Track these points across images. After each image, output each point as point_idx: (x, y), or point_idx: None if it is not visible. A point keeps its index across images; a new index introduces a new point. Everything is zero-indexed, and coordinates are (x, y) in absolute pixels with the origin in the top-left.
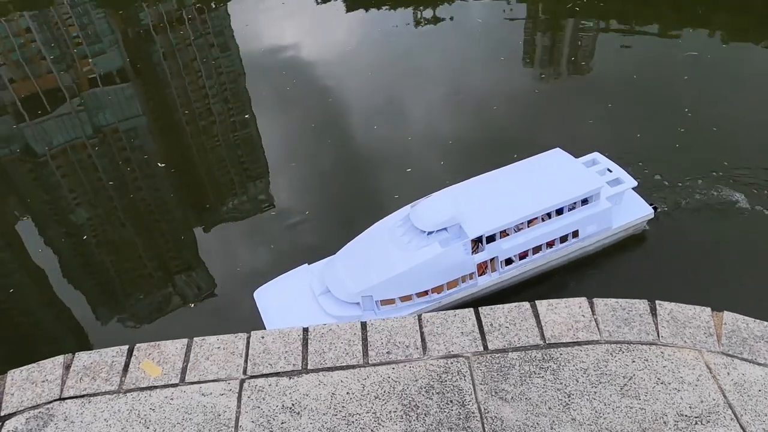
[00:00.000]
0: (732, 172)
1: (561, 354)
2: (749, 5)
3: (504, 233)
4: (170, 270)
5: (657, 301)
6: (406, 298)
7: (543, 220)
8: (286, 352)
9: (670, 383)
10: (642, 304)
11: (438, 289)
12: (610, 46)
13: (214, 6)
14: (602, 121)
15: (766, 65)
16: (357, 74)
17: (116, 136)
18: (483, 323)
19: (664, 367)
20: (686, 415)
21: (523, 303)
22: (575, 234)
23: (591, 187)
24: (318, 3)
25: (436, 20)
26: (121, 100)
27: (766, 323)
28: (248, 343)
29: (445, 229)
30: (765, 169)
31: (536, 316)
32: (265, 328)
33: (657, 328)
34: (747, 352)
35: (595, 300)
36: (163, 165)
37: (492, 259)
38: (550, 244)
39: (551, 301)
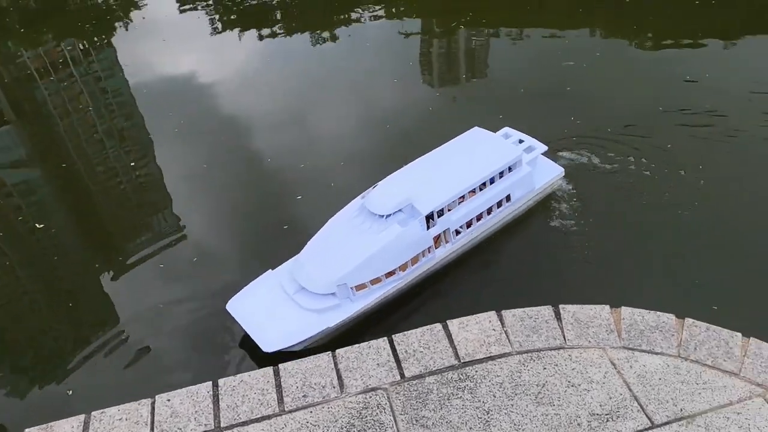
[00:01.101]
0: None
1: (476, 371)
2: (624, 11)
3: (450, 207)
4: (80, 323)
5: (560, 306)
6: (376, 281)
7: (480, 190)
8: (196, 412)
9: (580, 385)
10: (547, 311)
11: (403, 267)
12: (502, 56)
13: (98, 44)
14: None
15: (637, 63)
16: (255, 101)
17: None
18: (398, 351)
19: (573, 369)
20: (598, 414)
21: (435, 325)
22: (508, 198)
23: (514, 155)
24: (213, 33)
25: (333, 38)
26: (4, 143)
27: (658, 313)
28: (153, 409)
29: (400, 210)
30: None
31: (449, 336)
32: (247, 336)
33: (563, 332)
34: (645, 343)
35: (503, 312)
36: (58, 209)
37: (444, 232)
38: (489, 211)
39: (462, 319)
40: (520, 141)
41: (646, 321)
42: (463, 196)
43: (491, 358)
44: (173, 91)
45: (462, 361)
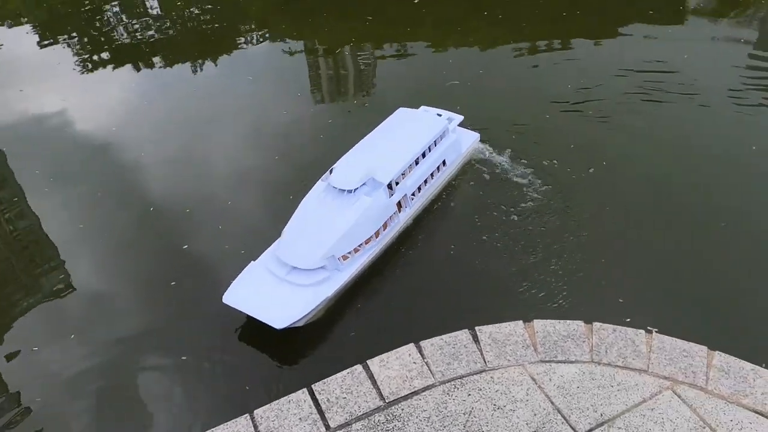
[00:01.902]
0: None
1: (402, 409)
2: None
3: (404, 175)
4: None
5: (477, 328)
6: (357, 249)
7: (423, 158)
8: None
9: (505, 406)
10: (464, 335)
11: (377, 233)
12: (390, 71)
13: None
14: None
15: (520, 71)
16: (135, 141)
17: None
18: (319, 401)
19: (496, 391)
20: None
21: (356, 367)
22: (444, 163)
23: (442, 125)
24: (83, 71)
25: (216, 65)
26: None
27: (568, 322)
28: None
29: (364, 183)
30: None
31: (371, 376)
32: (252, 320)
33: (482, 355)
34: (560, 353)
35: (422, 343)
36: None
37: (403, 198)
38: (432, 175)
39: (382, 356)
40: (439, 115)
41: (558, 331)
42: (411, 165)
43: (416, 392)
44: (42, 137)
45: (387, 401)
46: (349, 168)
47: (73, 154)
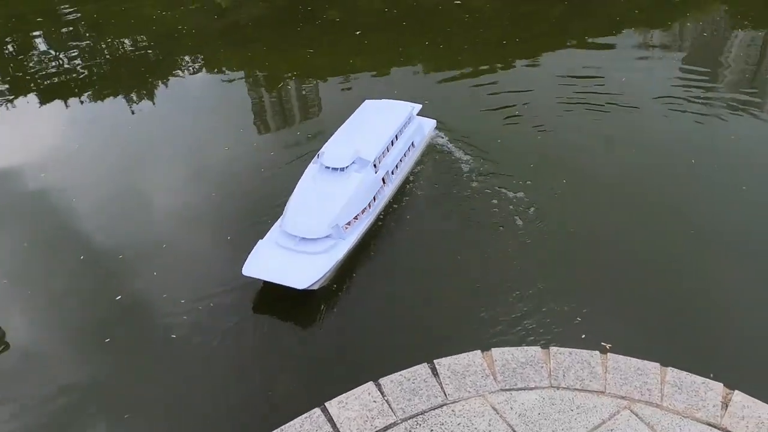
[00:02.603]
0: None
1: None
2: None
3: (384, 154)
4: None
5: (435, 361)
6: (356, 218)
7: (397, 139)
8: None
9: None
10: (423, 369)
11: (369, 204)
12: (333, 100)
13: None
14: None
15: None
16: (64, 182)
17: None
18: None
19: (459, 425)
20: None
21: (314, 410)
22: (413, 144)
23: (408, 111)
24: (8, 111)
25: (152, 98)
26: None
27: (526, 348)
28: None
29: (353, 162)
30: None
31: (330, 420)
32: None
33: (442, 388)
34: (520, 380)
35: (381, 380)
36: None
37: (385, 174)
38: (405, 154)
39: (340, 398)
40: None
41: (516, 358)
42: (388, 146)
43: None
44: None
45: None
46: (337, 149)
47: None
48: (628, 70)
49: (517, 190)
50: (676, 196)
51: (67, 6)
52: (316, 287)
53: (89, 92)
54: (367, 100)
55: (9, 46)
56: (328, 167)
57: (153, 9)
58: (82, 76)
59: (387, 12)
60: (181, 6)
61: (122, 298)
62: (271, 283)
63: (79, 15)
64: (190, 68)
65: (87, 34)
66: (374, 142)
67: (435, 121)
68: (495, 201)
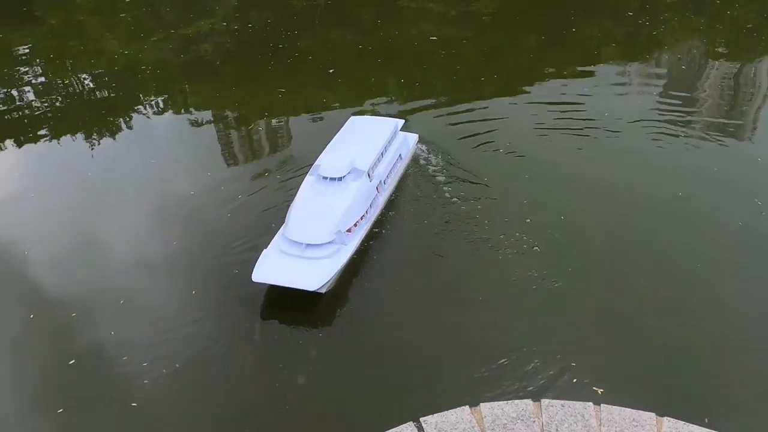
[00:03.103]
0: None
1: None
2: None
3: (375, 165)
4: None
5: (421, 419)
6: (355, 224)
7: (386, 151)
8: None
9: None
10: (408, 428)
11: (367, 211)
12: (305, 135)
13: None
14: None
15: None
16: (17, 234)
17: None
18: None
19: None
20: None
21: None
22: (400, 156)
23: (394, 125)
24: None
25: (115, 137)
26: None
27: (516, 402)
28: None
29: (350, 171)
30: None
31: None
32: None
33: None
34: None
35: None
36: None
37: (378, 184)
38: (393, 167)
39: None
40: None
41: (506, 413)
42: (379, 157)
43: None
44: None
45: None
46: (334, 161)
47: None
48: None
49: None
50: (663, 224)
51: (21, 45)
52: (324, 290)
53: (44, 132)
54: (352, 116)
55: None
56: (325, 177)
57: (114, 44)
58: (36, 114)
59: (361, 48)
60: (144, 40)
61: (76, 362)
62: (280, 287)
63: (33, 52)
64: (154, 107)
65: (42, 72)
66: (366, 153)
67: (417, 135)
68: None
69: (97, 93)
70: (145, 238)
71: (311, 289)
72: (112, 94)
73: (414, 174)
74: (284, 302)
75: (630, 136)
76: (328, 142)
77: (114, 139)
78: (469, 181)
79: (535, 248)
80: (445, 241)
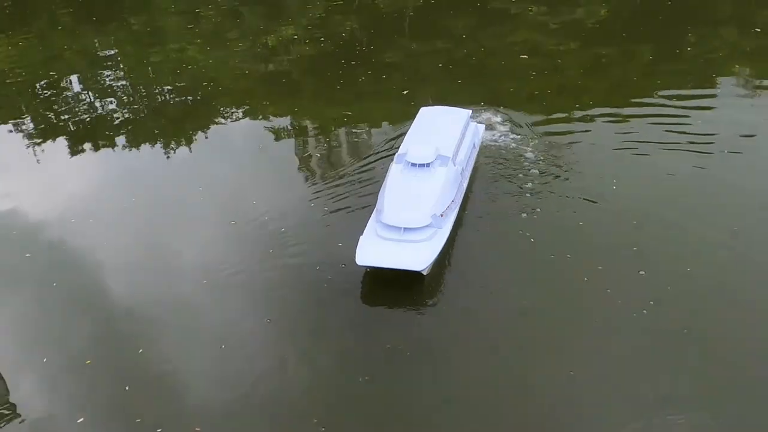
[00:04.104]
0: None
1: None
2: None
3: (456, 152)
4: None
5: None
6: (448, 207)
7: (462, 139)
8: None
9: None
10: None
11: (455, 197)
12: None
13: None
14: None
15: None
16: (94, 244)
17: None
18: None
19: None
20: None
21: None
22: (474, 146)
23: (467, 114)
24: (35, 156)
25: (190, 146)
26: None
27: None
28: None
29: (436, 158)
30: None
31: None
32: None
33: None
34: None
35: None
36: None
37: (462, 170)
38: (470, 156)
39: None
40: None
41: None
42: (458, 145)
43: None
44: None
45: None
46: (419, 149)
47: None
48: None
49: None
50: None
51: (106, 48)
52: (426, 272)
53: (123, 138)
54: (423, 108)
55: (40, 88)
56: (414, 164)
57: (197, 52)
58: (117, 121)
59: (448, 68)
60: (226, 48)
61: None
62: (385, 269)
63: (118, 57)
64: (233, 116)
65: (124, 77)
66: (447, 140)
67: (483, 125)
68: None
69: (175, 102)
70: (230, 252)
71: (419, 269)
72: (190, 102)
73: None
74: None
75: None
76: (408, 128)
77: (192, 143)
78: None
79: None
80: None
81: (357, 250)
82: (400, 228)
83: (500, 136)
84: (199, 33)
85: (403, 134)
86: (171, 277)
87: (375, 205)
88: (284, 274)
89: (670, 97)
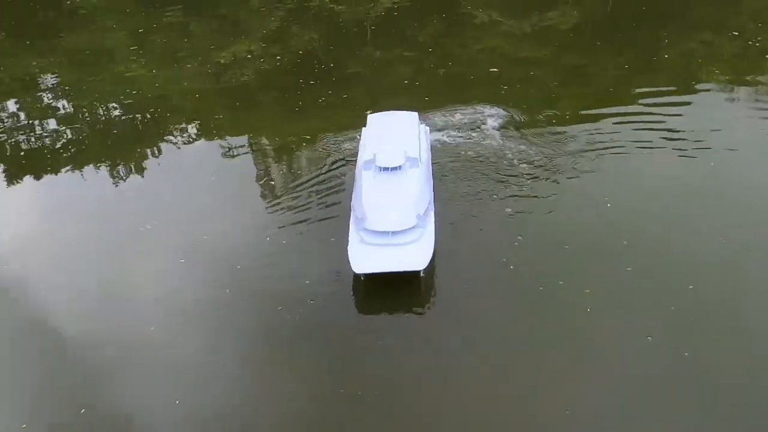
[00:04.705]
0: None
1: None
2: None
3: (420, 153)
4: None
5: None
6: (428, 206)
7: (421, 140)
8: None
9: None
10: None
11: (431, 196)
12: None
13: None
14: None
15: None
16: (31, 284)
17: None
18: None
19: None
20: None
21: None
22: (428, 146)
23: (415, 116)
24: None
25: (141, 171)
26: None
27: None
28: None
29: (407, 160)
30: None
31: None
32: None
33: None
34: None
35: None
36: None
37: (428, 170)
38: (429, 156)
39: None
40: None
41: None
42: (419, 146)
43: None
44: None
45: None
46: (388, 152)
47: None
48: None
49: None
50: None
51: (44, 71)
52: (423, 273)
53: (64, 165)
54: (370, 114)
55: None
56: (387, 168)
57: (143, 70)
58: (59, 145)
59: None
60: (175, 68)
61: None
62: (382, 274)
63: (57, 80)
64: (185, 136)
65: (65, 99)
66: (409, 142)
67: (428, 127)
68: None
69: (123, 121)
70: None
71: (419, 268)
72: (138, 123)
73: None
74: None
75: None
76: (362, 134)
77: (142, 168)
78: None
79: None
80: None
81: (351, 260)
82: (388, 232)
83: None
84: (144, 53)
85: (351, 140)
86: (120, 319)
87: (343, 217)
88: (238, 310)
89: (650, 104)
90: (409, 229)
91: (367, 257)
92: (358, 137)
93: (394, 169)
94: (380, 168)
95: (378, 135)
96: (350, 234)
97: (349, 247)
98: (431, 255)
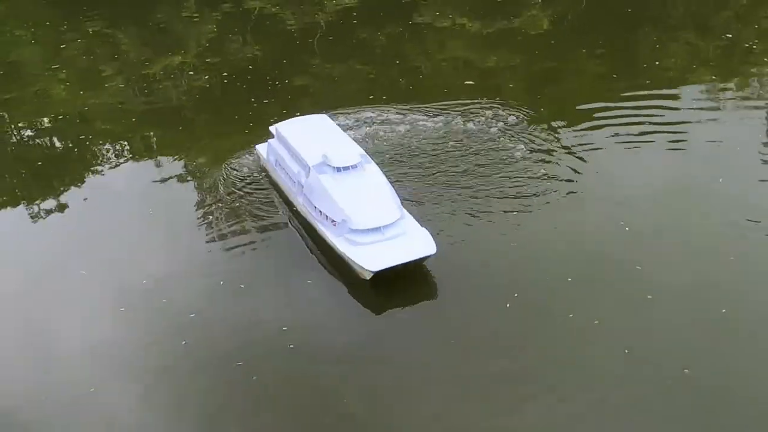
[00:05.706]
0: None
1: None
2: None
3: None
4: None
5: None
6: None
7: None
8: None
9: None
10: None
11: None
12: None
13: None
14: None
15: None
16: None
17: None
18: None
19: None
20: None
21: None
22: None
23: (327, 117)
24: None
25: (62, 208)
26: None
27: None
28: None
29: (362, 157)
30: None
31: None
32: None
33: None
34: None
35: None
36: None
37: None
38: None
39: None
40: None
41: None
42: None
43: None
44: None
45: None
46: (341, 151)
47: None
48: None
49: None
50: None
51: None
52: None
53: None
54: (274, 125)
55: None
56: (345, 167)
57: (64, 93)
58: None
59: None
60: (100, 87)
61: None
62: (400, 265)
63: None
64: (112, 162)
65: None
66: (345, 141)
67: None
68: None
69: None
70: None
71: (430, 253)
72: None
73: None
74: None
75: None
76: (288, 145)
77: (62, 205)
78: None
79: None
80: None
81: (361, 263)
82: (380, 228)
83: None
84: (66, 70)
85: (249, 154)
86: (49, 379)
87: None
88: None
89: (637, 107)
90: (397, 220)
91: (373, 256)
92: (263, 153)
93: (353, 167)
94: (338, 168)
95: (306, 139)
96: (332, 242)
97: (347, 253)
98: (432, 244)
